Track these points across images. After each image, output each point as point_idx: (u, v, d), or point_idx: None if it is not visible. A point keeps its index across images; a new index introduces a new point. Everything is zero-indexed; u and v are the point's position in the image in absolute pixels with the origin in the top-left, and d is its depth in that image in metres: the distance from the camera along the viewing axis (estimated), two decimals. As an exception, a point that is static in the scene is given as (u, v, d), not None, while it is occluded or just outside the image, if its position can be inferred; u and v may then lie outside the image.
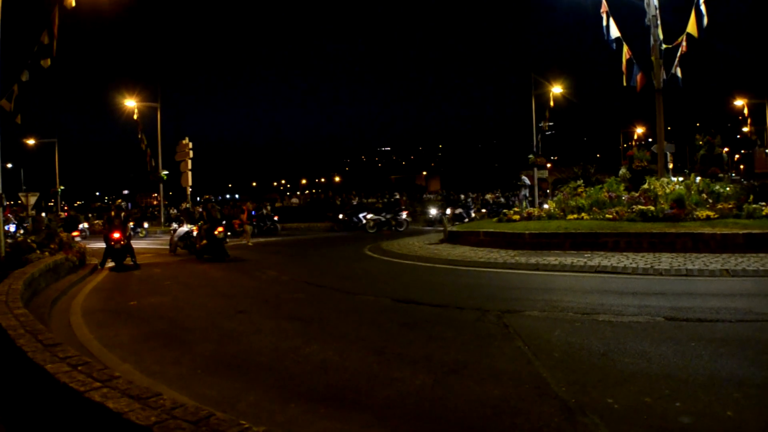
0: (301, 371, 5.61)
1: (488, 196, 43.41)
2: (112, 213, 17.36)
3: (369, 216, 31.21)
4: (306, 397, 4.85)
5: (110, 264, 15.97)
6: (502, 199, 38.99)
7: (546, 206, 21.86)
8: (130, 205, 60.61)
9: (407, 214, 32.77)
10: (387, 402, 4.67)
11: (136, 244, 19.64)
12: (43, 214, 27.48)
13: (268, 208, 35.17)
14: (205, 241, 18.12)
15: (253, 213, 31.10)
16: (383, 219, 30.60)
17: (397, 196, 42.15)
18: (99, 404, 3.30)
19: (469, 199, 38.96)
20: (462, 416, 4.31)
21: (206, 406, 3.43)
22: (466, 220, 32.76)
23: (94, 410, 3.32)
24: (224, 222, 19.18)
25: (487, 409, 4.40)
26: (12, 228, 27.60)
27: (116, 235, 16.04)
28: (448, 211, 34.07)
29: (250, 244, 23.96)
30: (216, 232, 17.83)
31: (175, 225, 22.77)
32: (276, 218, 33.02)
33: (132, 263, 16.15)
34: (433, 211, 35.36)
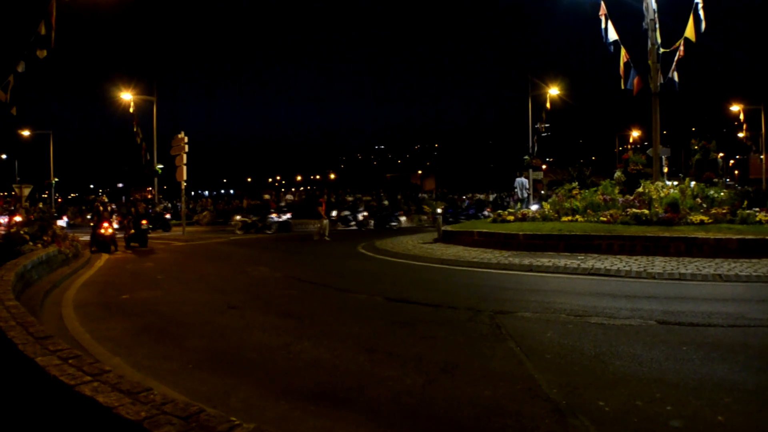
0: (293, 368, 5.60)
1: (481, 197, 43.55)
2: (101, 208, 19.75)
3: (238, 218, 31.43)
4: (297, 394, 4.84)
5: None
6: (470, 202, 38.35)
7: (535, 207, 21.91)
8: (124, 198, 60.52)
9: (401, 213, 32.83)
10: (378, 400, 4.66)
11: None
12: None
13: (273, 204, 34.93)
14: (133, 231, 21.00)
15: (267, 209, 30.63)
16: (249, 221, 29.78)
17: (266, 197, 38.91)
18: (89, 398, 3.28)
19: (361, 200, 36.76)
20: (453, 416, 4.31)
21: (197, 402, 3.42)
22: (353, 223, 32.00)
23: (85, 404, 3.31)
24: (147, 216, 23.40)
25: (478, 410, 4.39)
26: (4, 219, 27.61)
27: (105, 225, 18.95)
28: (334, 213, 32.95)
29: (327, 238, 23.29)
30: (141, 224, 21.14)
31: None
32: (401, 213, 33.18)
33: (114, 249, 19.00)
34: (333, 213, 33.33)
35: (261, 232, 28.59)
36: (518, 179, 31.56)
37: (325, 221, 24.34)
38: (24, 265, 10.69)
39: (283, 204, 34.84)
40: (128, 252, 19.17)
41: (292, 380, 5.23)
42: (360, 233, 27.46)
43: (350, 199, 38.85)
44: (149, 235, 22.35)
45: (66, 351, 4.30)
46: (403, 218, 32.92)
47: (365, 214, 32.08)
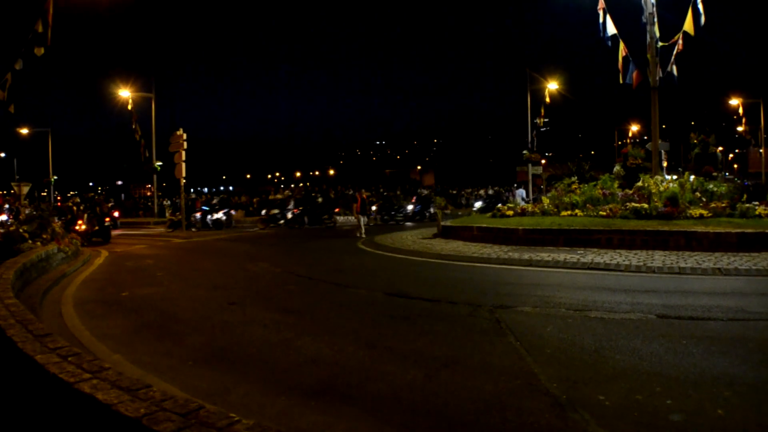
0: (292, 364, 5.60)
1: (481, 192, 43.53)
2: (74, 208, 23.16)
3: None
4: (297, 389, 4.84)
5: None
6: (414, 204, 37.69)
7: (522, 202, 21.93)
8: (123, 195, 60.57)
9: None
10: (378, 396, 4.66)
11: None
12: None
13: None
14: (97, 227, 22.81)
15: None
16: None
17: (193, 197, 39.21)
18: (89, 396, 3.28)
19: (291, 198, 35.79)
20: (453, 411, 4.31)
21: (196, 399, 3.42)
22: (281, 222, 30.74)
23: (84, 402, 3.30)
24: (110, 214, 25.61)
25: (479, 404, 4.39)
26: (4, 218, 27.70)
27: (79, 222, 21.97)
28: (263, 211, 32.60)
29: (362, 235, 22.40)
30: (105, 222, 23.39)
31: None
32: (337, 210, 32.43)
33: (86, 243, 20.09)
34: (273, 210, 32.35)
35: (188, 229, 29.19)
36: (518, 191, 32.17)
37: (362, 218, 24.31)
38: (23, 263, 10.68)
39: (215, 201, 34.88)
40: (97, 248, 19.83)
41: (293, 376, 5.23)
42: (289, 234, 25.98)
43: (280, 196, 38.11)
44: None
45: (65, 348, 4.30)
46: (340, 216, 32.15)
47: (295, 211, 30.83)
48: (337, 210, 31.89)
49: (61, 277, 11.92)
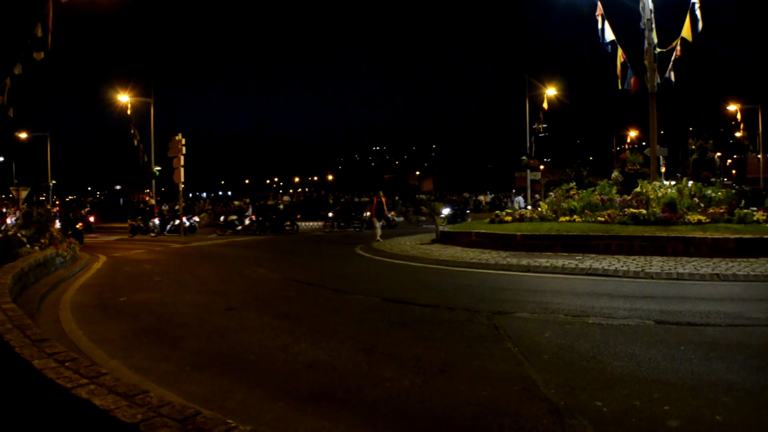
0: (290, 369, 5.59)
1: (480, 197, 43.56)
2: (51, 213, 23.00)
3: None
4: (294, 395, 4.84)
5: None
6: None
7: (520, 205, 21.88)
8: (122, 200, 60.69)
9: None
10: (376, 402, 4.66)
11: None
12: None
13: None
14: (70, 232, 22.99)
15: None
16: None
17: (149, 200, 40.10)
18: (86, 401, 3.27)
19: (249, 204, 36.12)
20: (451, 417, 4.30)
21: (193, 404, 3.42)
22: (239, 228, 30.67)
23: (81, 407, 3.30)
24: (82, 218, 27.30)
25: (476, 410, 4.39)
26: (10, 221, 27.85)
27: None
28: (221, 218, 32.97)
29: (378, 239, 21.58)
30: (78, 227, 25.10)
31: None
32: (299, 216, 32.49)
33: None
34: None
35: (145, 234, 30.54)
36: (516, 198, 32.35)
37: (379, 223, 23.39)
38: (21, 267, 10.67)
39: (177, 207, 34.88)
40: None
41: (290, 381, 5.22)
42: (360, 235, 27.22)
43: (237, 203, 38.30)
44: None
45: (63, 354, 4.29)
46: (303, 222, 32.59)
47: (252, 217, 31.05)
48: (299, 216, 32.18)
49: (59, 282, 11.91)
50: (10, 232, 15.11)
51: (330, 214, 33.87)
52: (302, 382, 5.18)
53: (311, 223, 36.75)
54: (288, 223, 30.00)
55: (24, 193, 30.84)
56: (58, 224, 22.71)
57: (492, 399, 4.62)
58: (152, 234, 30.29)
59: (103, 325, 7.99)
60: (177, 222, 31.09)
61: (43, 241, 14.91)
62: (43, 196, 63.46)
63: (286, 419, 4.35)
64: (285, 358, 6.02)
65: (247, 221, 30.65)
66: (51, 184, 54.09)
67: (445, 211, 33.42)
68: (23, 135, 53.59)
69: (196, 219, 34.20)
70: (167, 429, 2.84)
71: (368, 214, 30.53)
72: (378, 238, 21.92)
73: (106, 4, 20.36)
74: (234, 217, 31.11)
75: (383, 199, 24.71)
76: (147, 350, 6.54)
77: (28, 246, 13.92)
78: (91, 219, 31.89)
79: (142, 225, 31.27)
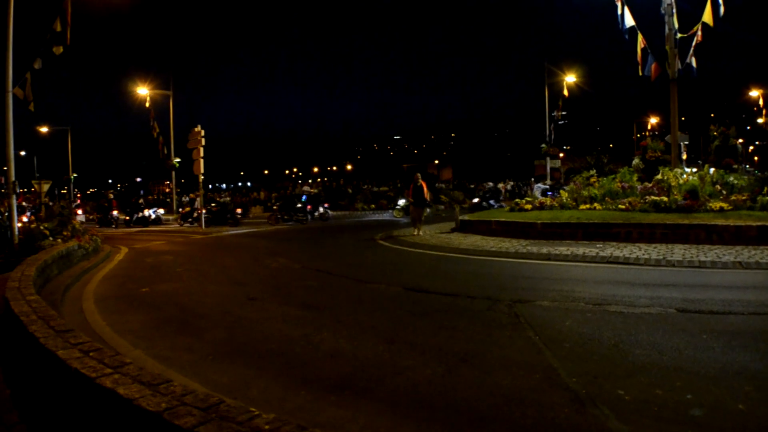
0: (312, 358, 5.62)
1: (500, 186, 43.34)
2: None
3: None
4: (316, 384, 4.86)
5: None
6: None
7: (540, 196, 21.70)
8: (142, 191, 61.18)
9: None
10: (397, 390, 4.67)
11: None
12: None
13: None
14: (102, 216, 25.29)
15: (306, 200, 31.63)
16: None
17: (110, 196, 43.02)
18: (110, 390, 3.31)
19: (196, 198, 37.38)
20: (472, 405, 4.31)
21: (216, 393, 3.45)
22: (190, 220, 32.66)
23: (105, 396, 3.34)
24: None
25: (498, 399, 4.39)
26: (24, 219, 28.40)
27: None
28: (180, 209, 35.85)
29: (418, 233, 18.92)
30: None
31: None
32: (327, 205, 33.16)
33: None
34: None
35: (108, 227, 32.48)
36: (537, 185, 32.34)
37: (420, 211, 20.01)
38: (44, 260, 10.79)
39: (141, 201, 37.13)
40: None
41: (312, 371, 5.25)
42: (380, 224, 27.25)
43: (191, 196, 39.00)
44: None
45: (87, 344, 4.34)
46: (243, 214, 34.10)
47: (200, 210, 31.16)
48: (239, 211, 32.81)
49: (81, 274, 12.03)
50: (32, 225, 15.28)
51: (275, 207, 34.69)
52: (324, 371, 5.21)
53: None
54: (228, 215, 31.04)
55: (46, 187, 31.14)
56: (80, 216, 23.15)
57: (513, 388, 4.61)
58: (113, 226, 32.85)
59: (126, 315, 8.07)
60: (141, 215, 34.11)
61: (65, 233, 15.05)
62: (64, 190, 64.15)
63: (308, 408, 4.37)
64: (307, 347, 6.05)
65: (195, 214, 31.93)
66: (72, 177, 54.63)
67: (475, 201, 34.00)
68: (44, 129, 54.16)
69: (161, 211, 37.31)
70: (191, 417, 2.87)
71: (403, 202, 30.53)
72: (418, 231, 19.10)
73: (124, -1, 20.49)
74: (189, 209, 33.66)
75: (422, 183, 20.49)
76: (170, 340, 6.59)
77: (50, 239, 14.07)
78: (114, 213, 33.91)
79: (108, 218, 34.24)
